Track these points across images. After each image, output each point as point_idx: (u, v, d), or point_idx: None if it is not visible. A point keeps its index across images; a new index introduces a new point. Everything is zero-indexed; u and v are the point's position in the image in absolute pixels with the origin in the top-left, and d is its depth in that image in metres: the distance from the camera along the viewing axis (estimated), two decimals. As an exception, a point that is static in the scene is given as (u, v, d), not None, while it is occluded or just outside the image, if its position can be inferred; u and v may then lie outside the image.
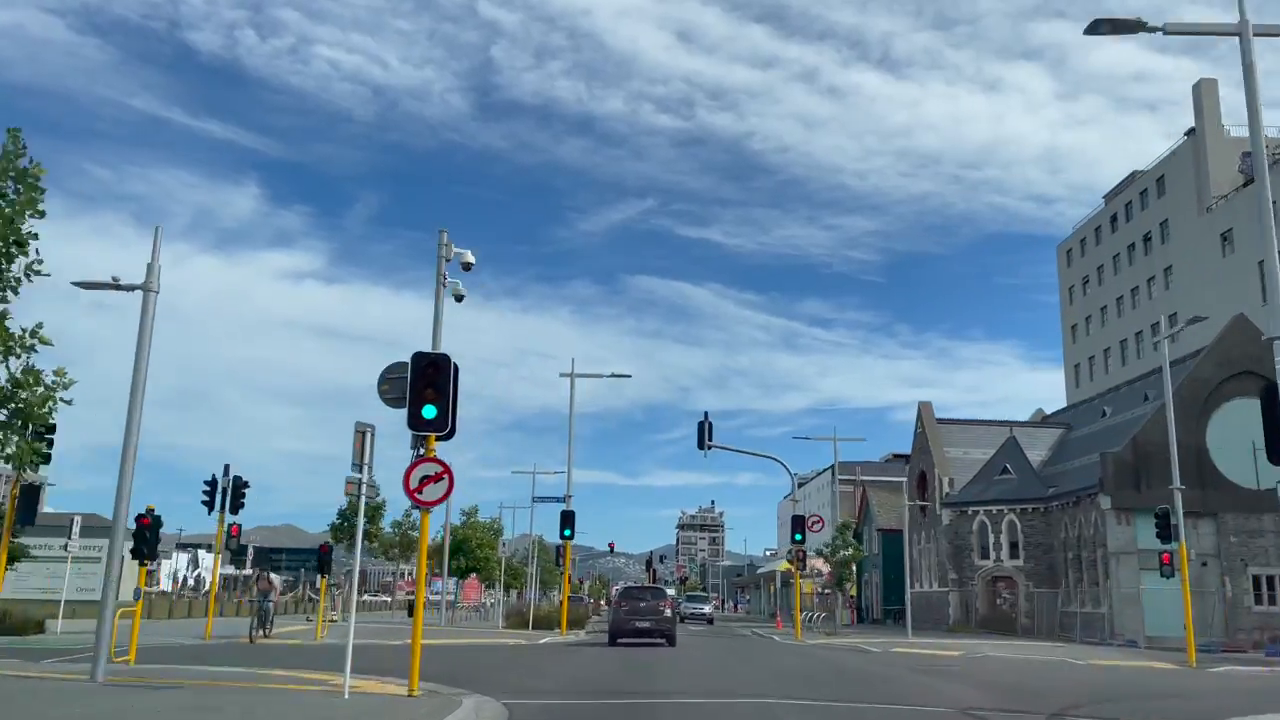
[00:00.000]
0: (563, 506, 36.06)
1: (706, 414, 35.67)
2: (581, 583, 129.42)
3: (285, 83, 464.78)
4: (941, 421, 54.40)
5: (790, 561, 37.39)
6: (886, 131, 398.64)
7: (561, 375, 36.49)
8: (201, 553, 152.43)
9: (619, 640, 27.07)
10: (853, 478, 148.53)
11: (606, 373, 36.85)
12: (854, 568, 40.47)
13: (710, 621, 49.62)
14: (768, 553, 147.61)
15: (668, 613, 27.46)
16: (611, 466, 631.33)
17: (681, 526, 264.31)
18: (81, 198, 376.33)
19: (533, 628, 36.86)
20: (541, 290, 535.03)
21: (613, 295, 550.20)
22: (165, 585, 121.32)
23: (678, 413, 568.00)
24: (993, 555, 47.98)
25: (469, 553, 39.95)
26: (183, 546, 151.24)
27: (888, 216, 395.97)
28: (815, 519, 40.94)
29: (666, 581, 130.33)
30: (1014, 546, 47.37)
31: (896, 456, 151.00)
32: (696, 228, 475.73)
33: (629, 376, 37.22)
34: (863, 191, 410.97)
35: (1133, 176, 74.86)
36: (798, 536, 35.98)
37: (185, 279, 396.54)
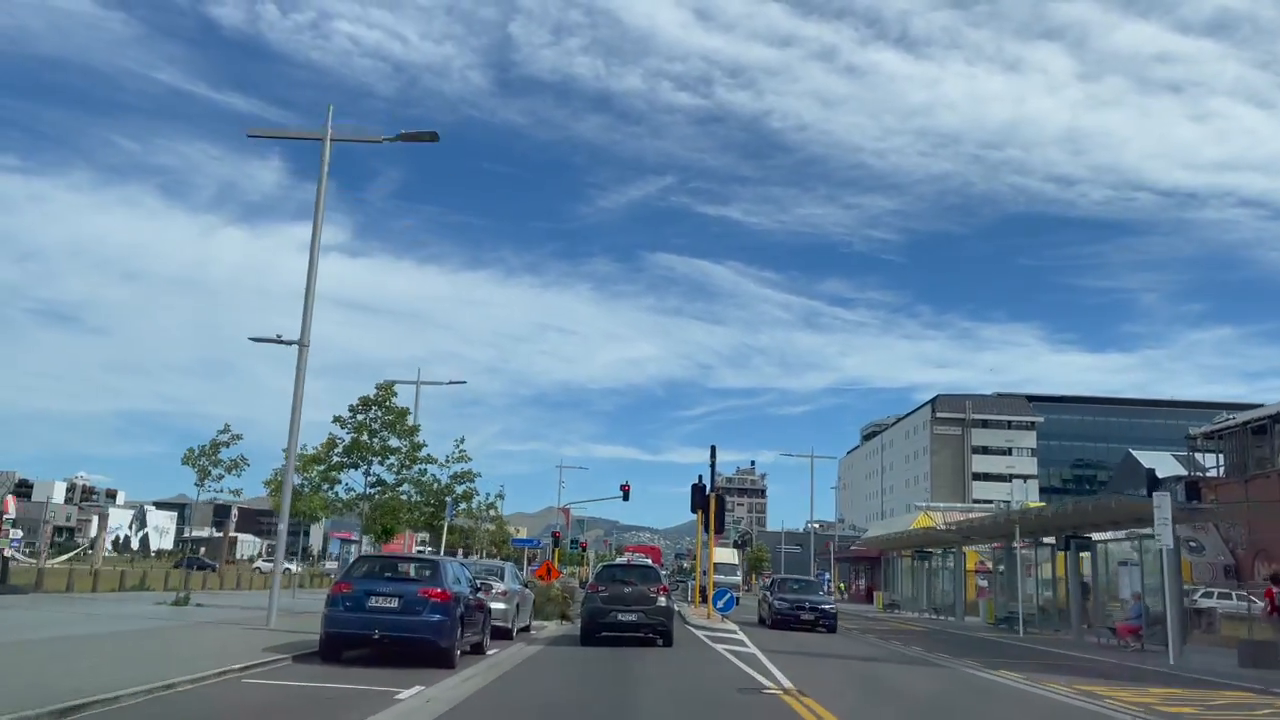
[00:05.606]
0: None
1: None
2: (584, 549, 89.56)
3: (307, 58, 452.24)
4: None
5: None
6: (905, 111, 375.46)
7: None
8: (150, 510, 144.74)
9: (597, 636, 20.38)
10: (960, 415, 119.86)
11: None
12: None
13: None
14: (811, 525, 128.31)
15: (661, 601, 20.87)
16: (634, 442, 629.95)
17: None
18: (110, 169, 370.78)
19: None
20: (561, 267, 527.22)
21: (633, 272, 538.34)
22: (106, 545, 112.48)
23: (699, 390, 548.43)
24: None
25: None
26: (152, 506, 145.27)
27: (908, 196, 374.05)
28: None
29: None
30: None
31: (1001, 396, 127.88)
32: (716, 205, 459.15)
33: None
34: (882, 171, 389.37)
35: None
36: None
37: (213, 251, 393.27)
